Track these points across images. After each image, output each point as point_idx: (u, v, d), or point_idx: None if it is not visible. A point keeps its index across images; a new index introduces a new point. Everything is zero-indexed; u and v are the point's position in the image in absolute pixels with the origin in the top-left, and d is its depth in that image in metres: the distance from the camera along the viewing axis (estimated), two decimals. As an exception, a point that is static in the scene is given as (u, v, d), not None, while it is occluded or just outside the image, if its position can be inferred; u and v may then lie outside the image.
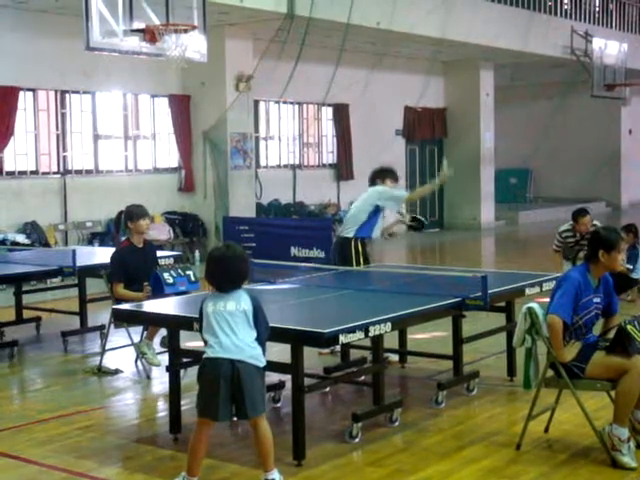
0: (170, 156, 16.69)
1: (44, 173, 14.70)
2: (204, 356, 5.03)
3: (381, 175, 8.84)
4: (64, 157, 14.91)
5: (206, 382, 5.00)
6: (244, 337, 4.95)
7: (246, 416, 4.98)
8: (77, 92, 15.03)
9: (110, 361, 8.26)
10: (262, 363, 5.02)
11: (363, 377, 6.92)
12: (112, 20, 10.61)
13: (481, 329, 7.66)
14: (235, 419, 5.34)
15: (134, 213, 8.20)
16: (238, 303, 4.97)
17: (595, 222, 9.30)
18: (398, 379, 7.68)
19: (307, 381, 5.71)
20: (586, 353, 5.58)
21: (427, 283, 7.36)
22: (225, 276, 5.02)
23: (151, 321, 7.00)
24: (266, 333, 5.09)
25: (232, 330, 4.94)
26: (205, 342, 5.04)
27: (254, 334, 4.99)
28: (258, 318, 5.01)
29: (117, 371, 8.04)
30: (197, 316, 5.18)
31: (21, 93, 14.03)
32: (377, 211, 8.64)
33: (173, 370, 6.23)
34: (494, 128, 23.42)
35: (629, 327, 5.41)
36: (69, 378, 7.98)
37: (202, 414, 5.03)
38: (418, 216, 9.63)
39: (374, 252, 9.14)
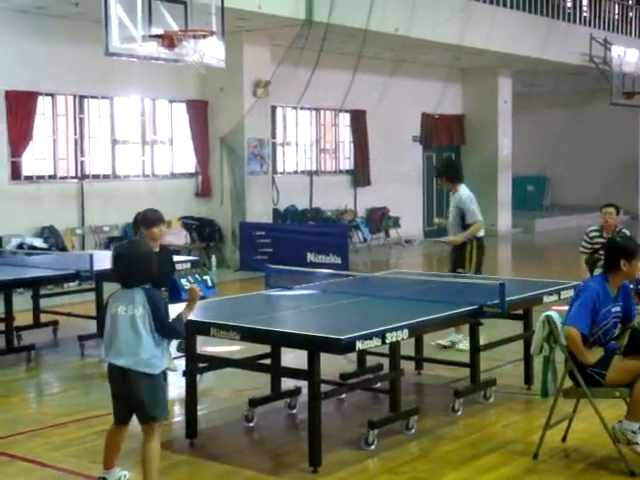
0: (187, 161, 16.72)
1: (62, 178, 14.76)
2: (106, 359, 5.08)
3: None
4: (82, 162, 14.97)
5: (110, 385, 5.10)
6: (135, 343, 4.87)
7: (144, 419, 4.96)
8: (95, 97, 15.09)
9: (126, 365, 8.25)
10: (154, 369, 4.91)
11: (379, 384, 6.90)
12: (131, 25, 10.63)
13: (498, 337, 7.63)
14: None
15: (148, 219, 8.04)
16: (135, 307, 4.90)
17: (624, 230, 9.19)
18: (414, 386, 7.65)
19: (323, 387, 5.68)
20: (607, 360, 5.54)
21: (444, 290, 7.33)
22: (126, 273, 4.98)
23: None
24: (168, 329, 4.96)
25: (125, 335, 4.89)
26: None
27: (148, 339, 4.89)
28: (155, 317, 4.90)
29: (133, 376, 8.02)
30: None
31: (40, 98, 14.10)
32: None
33: (190, 375, 6.23)
34: (512, 135, 23.36)
35: (642, 328, 5.39)
36: (86, 382, 8.00)
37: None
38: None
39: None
